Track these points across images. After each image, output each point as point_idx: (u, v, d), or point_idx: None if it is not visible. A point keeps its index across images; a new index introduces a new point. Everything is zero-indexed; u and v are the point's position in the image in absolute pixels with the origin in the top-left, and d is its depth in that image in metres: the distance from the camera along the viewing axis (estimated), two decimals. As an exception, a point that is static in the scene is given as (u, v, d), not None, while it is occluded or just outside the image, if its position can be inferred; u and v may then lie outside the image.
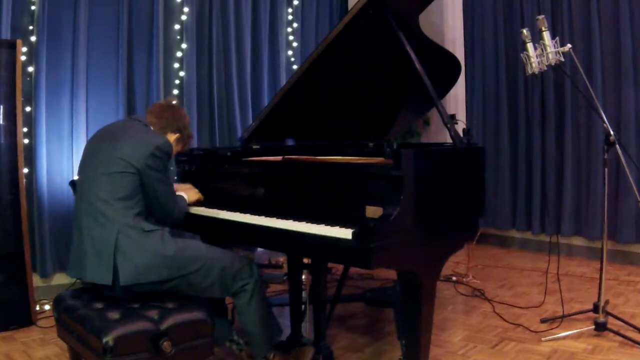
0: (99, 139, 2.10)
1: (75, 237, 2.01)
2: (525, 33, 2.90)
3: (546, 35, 2.84)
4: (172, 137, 2.20)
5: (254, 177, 2.33)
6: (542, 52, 2.85)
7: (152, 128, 2.15)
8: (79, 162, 2.14)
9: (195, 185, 2.54)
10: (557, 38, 2.87)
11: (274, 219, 2.01)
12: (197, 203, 2.36)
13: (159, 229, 1.98)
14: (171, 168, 3.19)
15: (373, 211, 1.79)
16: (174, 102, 2.35)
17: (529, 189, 4.89)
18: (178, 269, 1.94)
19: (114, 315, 1.79)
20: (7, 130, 3.04)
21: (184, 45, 4.14)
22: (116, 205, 1.92)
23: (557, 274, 3.40)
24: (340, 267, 3.28)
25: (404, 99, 2.86)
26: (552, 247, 3.92)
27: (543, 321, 2.99)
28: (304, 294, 2.62)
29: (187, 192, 2.30)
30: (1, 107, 3.02)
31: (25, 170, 3.25)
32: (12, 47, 3.04)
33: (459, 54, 4.76)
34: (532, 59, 2.86)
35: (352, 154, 2.61)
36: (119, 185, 1.94)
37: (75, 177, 3.41)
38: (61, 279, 3.57)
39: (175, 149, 2.25)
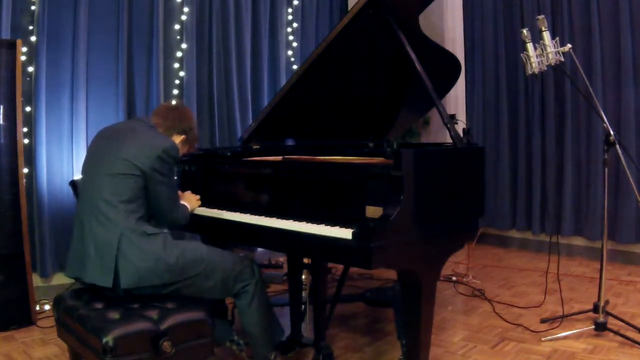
0: (103, 139, 2.08)
1: (76, 236, 2.00)
2: (525, 33, 2.90)
3: (546, 35, 2.84)
4: (177, 139, 2.18)
5: (254, 177, 2.33)
6: (542, 52, 2.84)
7: (158, 129, 2.13)
8: (83, 161, 2.12)
9: (196, 185, 2.54)
10: (557, 38, 2.87)
11: (274, 219, 2.01)
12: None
13: (161, 232, 1.97)
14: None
15: (373, 211, 1.79)
16: (176, 102, 2.33)
17: (529, 189, 4.89)
18: (180, 272, 1.93)
19: (114, 315, 1.79)
20: (7, 130, 3.04)
21: (184, 45, 4.14)
22: (119, 207, 1.91)
23: (557, 274, 3.40)
24: (340, 267, 3.28)
25: (404, 99, 2.86)
26: (552, 247, 3.92)
27: (543, 321, 2.99)
28: (304, 294, 2.62)
29: (188, 201, 2.27)
30: (1, 107, 3.02)
31: (25, 170, 3.25)
32: (12, 47, 3.04)
33: (459, 54, 4.76)
34: (532, 59, 2.86)
35: (352, 154, 2.61)
36: (122, 187, 1.92)
37: (76, 177, 3.43)
38: (61, 279, 3.57)
39: (182, 150, 2.22)
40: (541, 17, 2.86)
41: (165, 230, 2.02)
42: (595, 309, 2.75)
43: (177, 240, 2.02)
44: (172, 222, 2.09)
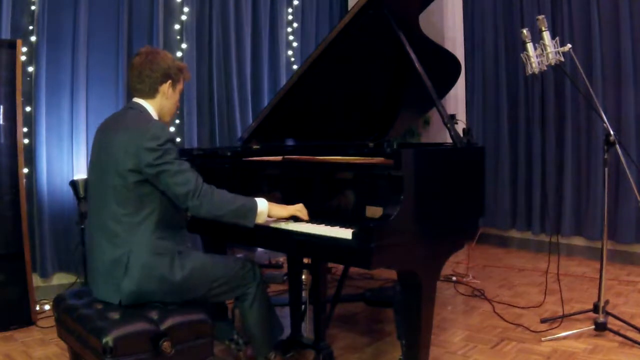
0: (99, 141, 1.99)
1: (88, 249, 1.97)
2: (525, 33, 2.90)
3: (546, 35, 2.84)
4: (165, 87, 2.01)
5: (253, 177, 2.33)
6: (542, 52, 2.84)
7: (143, 102, 1.99)
8: (87, 166, 2.08)
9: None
10: (557, 38, 2.87)
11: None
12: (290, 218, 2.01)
13: (169, 252, 1.89)
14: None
15: (373, 211, 1.79)
16: (142, 51, 2.06)
17: (529, 189, 4.89)
18: (182, 294, 1.92)
19: (114, 315, 1.79)
20: (7, 130, 3.04)
21: (184, 45, 4.14)
22: (124, 221, 1.85)
23: (557, 274, 3.39)
24: (340, 267, 3.28)
25: (404, 99, 2.86)
26: (552, 247, 3.92)
27: (543, 321, 2.99)
28: (304, 294, 2.62)
29: (284, 208, 1.98)
30: (1, 107, 3.02)
31: (25, 170, 3.25)
32: (12, 47, 3.04)
33: (459, 54, 4.76)
34: (532, 59, 2.86)
35: (352, 154, 2.61)
36: (124, 198, 1.85)
37: (76, 177, 3.43)
38: (61, 279, 3.58)
39: (179, 88, 2.08)
40: (541, 17, 2.86)
41: (175, 249, 1.93)
42: (595, 309, 2.75)
43: (186, 258, 1.92)
44: (196, 210, 1.87)
